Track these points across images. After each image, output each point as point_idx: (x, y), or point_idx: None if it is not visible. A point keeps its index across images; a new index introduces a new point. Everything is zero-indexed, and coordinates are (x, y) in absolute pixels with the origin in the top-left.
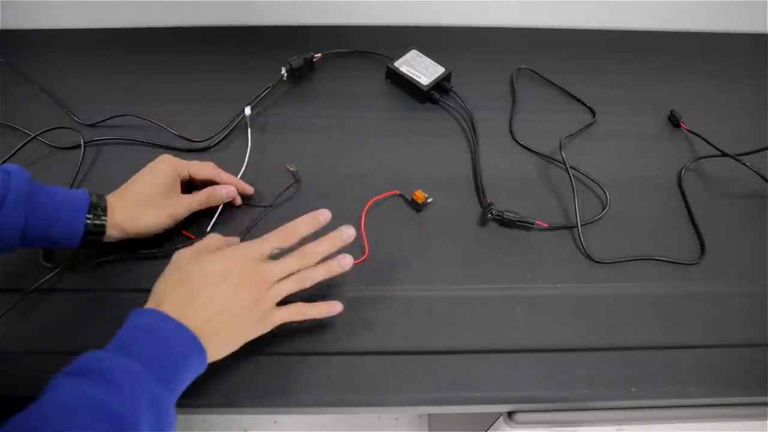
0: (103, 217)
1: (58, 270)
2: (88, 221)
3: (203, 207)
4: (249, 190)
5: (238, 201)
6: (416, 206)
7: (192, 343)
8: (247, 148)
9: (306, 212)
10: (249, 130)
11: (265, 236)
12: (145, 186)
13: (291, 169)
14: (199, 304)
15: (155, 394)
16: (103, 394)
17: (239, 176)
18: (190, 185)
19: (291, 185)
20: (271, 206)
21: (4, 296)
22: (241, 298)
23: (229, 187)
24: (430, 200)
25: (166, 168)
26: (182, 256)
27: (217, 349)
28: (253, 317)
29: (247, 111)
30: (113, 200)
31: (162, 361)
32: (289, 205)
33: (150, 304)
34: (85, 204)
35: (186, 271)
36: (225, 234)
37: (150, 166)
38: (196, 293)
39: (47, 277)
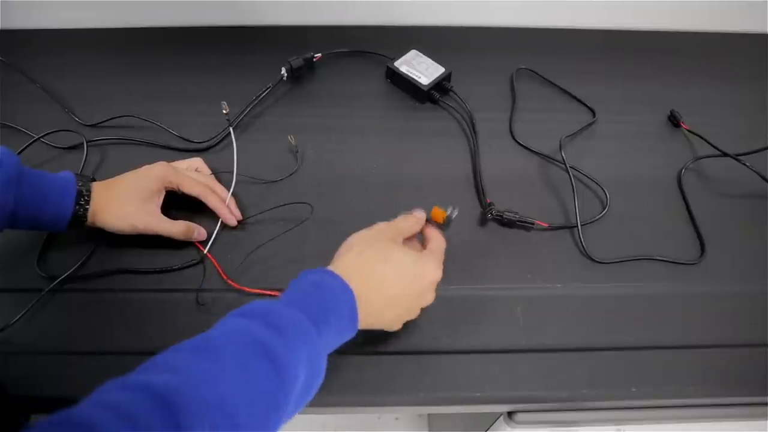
0: (86, 206)
1: (62, 278)
2: (76, 207)
3: (175, 237)
4: (237, 215)
5: (233, 222)
6: (441, 226)
7: (353, 314)
8: (234, 150)
9: (308, 215)
10: (232, 132)
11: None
12: (126, 188)
13: (292, 141)
14: (379, 297)
15: (314, 349)
16: (267, 337)
17: (231, 190)
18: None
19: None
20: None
21: (10, 297)
22: (412, 307)
23: (202, 232)
24: (456, 213)
25: (155, 176)
26: (384, 234)
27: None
28: (405, 317)
29: (224, 107)
30: (98, 190)
31: (326, 315)
32: (291, 206)
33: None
34: (73, 189)
35: (381, 260)
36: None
37: (142, 169)
38: (383, 291)
39: (59, 279)
